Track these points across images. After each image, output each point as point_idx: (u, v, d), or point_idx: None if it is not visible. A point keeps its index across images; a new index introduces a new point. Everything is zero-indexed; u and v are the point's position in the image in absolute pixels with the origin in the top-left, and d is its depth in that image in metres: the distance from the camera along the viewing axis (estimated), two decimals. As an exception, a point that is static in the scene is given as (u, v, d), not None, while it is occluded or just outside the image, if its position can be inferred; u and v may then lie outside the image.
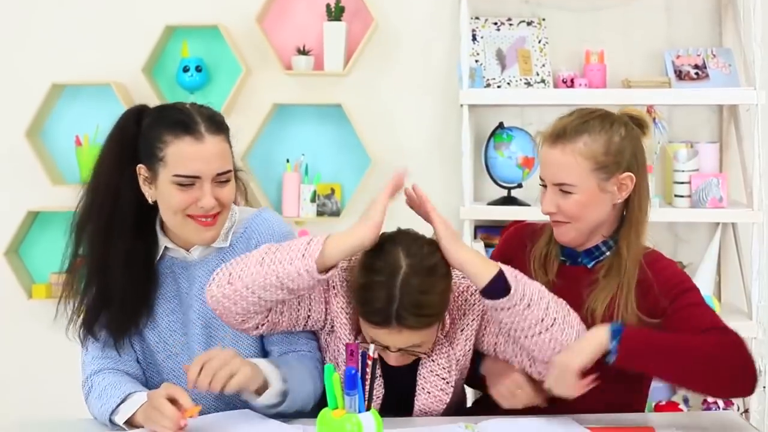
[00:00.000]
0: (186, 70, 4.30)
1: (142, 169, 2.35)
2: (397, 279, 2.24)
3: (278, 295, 2.25)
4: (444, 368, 2.44)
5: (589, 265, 2.45)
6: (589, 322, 2.34)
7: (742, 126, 4.15)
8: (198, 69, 4.30)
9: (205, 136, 2.30)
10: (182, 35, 4.38)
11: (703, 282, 4.02)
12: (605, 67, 4.16)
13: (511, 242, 2.62)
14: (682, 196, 4.03)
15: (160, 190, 2.33)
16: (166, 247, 2.43)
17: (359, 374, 1.99)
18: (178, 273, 2.45)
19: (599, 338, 2.23)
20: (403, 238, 2.33)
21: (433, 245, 2.31)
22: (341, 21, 4.26)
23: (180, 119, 2.32)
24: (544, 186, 2.42)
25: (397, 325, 2.25)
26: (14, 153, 4.39)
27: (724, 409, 3.90)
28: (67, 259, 2.46)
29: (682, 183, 4.03)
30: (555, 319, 2.27)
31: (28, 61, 4.43)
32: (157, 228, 2.43)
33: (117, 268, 2.37)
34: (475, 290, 2.40)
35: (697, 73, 4.13)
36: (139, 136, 2.36)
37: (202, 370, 2.16)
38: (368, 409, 2.01)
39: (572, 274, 2.46)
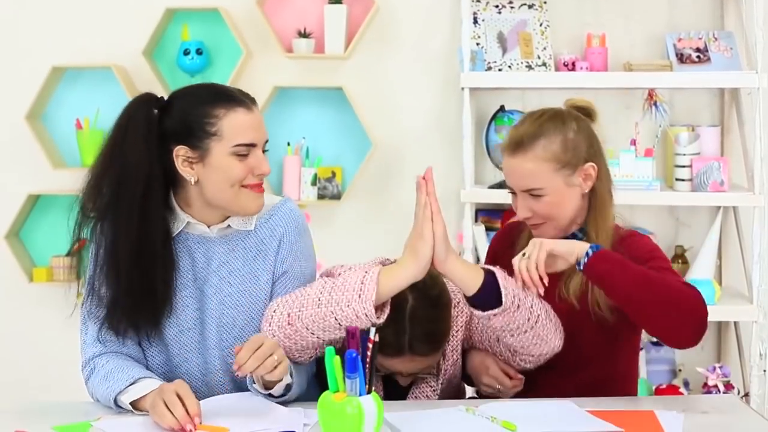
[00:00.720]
0: (186, 53, 4.29)
1: (181, 151, 2.36)
2: (406, 313, 2.38)
3: (337, 335, 2.31)
4: (432, 378, 2.54)
5: None
6: (564, 306, 2.43)
7: (743, 109, 4.14)
8: (198, 52, 4.30)
9: (251, 107, 2.40)
10: (183, 18, 4.37)
11: (704, 266, 4.02)
12: (606, 50, 4.15)
13: (498, 245, 2.71)
14: (683, 180, 4.03)
15: (216, 166, 2.36)
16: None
17: (360, 357, 1.99)
18: (193, 248, 2.45)
19: (578, 244, 2.33)
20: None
21: (433, 275, 2.39)
22: (342, 4, 4.25)
23: (225, 93, 2.41)
24: (514, 193, 2.50)
25: (410, 354, 2.40)
26: (15, 136, 4.39)
27: (724, 392, 3.91)
28: (74, 244, 2.44)
29: (683, 166, 4.03)
30: (539, 316, 2.36)
31: (28, 44, 4.42)
32: (175, 205, 2.43)
33: (146, 256, 2.36)
34: (458, 301, 2.49)
35: (698, 57, 4.13)
36: (162, 120, 2.37)
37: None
38: (369, 392, 2.01)
39: None
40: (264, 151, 2.42)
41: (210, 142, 2.35)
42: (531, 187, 2.45)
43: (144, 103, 2.41)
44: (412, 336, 2.37)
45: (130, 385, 2.31)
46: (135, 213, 2.35)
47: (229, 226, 2.45)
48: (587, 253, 2.28)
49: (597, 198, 2.51)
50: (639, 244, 2.51)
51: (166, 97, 2.44)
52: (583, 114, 2.55)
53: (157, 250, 2.37)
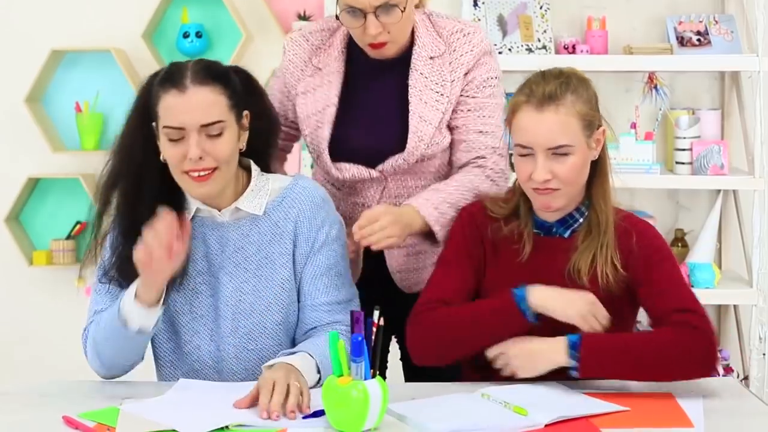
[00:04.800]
0: (186, 36, 4.28)
1: (154, 127, 2.38)
2: None
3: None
4: (436, 83, 2.61)
5: (566, 235, 2.43)
6: (574, 285, 2.35)
7: (744, 93, 4.14)
8: (198, 35, 4.29)
9: (188, 87, 2.31)
10: (182, 1, 4.36)
11: (704, 249, 4.03)
12: (607, 33, 4.14)
13: (468, 229, 2.50)
14: (683, 163, 4.03)
15: (162, 148, 2.36)
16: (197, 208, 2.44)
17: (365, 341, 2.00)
18: (207, 234, 2.44)
19: (557, 357, 2.27)
20: None
21: None
22: (342, -13, 4.24)
23: (170, 73, 2.35)
24: (526, 155, 2.36)
25: None
26: (14, 119, 4.38)
27: (723, 376, 3.92)
28: (94, 220, 2.46)
29: (684, 150, 4.03)
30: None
31: (27, 27, 4.41)
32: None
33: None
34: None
35: (699, 40, 4.12)
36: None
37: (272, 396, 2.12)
38: (374, 376, 2.01)
39: (549, 245, 2.43)
40: (214, 136, 2.32)
41: (158, 122, 2.35)
42: (560, 143, 2.32)
43: (149, 78, 2.42)
44: None
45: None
46: (131, 189, 2.39)
47: (237, 209, 2.44)
48: (574, 365, 2.25)
49: (600, 165, 2.43)
50: (650, 235, 2.42)
51: None
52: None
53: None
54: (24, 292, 4.51)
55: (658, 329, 2.31)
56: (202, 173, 2.32)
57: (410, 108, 2.65)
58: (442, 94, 2.65)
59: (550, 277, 2.35)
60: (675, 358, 2.24)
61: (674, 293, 2.34)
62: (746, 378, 4.00)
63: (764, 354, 3.94)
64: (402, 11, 2.54)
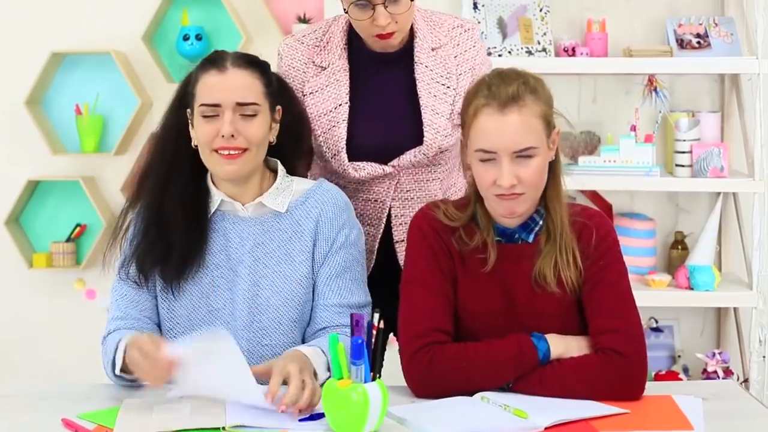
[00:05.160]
0: (186, 38, 4.28)
1: (188, 113, 2.45)
2: None
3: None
4: (441, 75, 2.66)
5: (530, 240, 2.37)
6: (543, 291, 2.33)
7: (743, 95, 4.14)
8: (198, 37, 4.29)
9: (228, 68, 2.41)
10: (182, 3, 4.35)
11: (704, 252, 4.03)
12: (607, 35, 4.14)
13: (434, 243, 2.39)
14: (683, 166, 4.03)
15: (195, 128, 2.43)
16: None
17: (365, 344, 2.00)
18: (228, 228, 2.47)
19: None
20: None
21: None
22: (342, -11, 4.24)
23: (211, 57, 2.46)
24: (489, 160, 2.27)
25: None
26: (14, 122, 4.38)
27: (724, 378, 3.92)
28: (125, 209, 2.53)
29: (683, 152, 4.03)
30: None
31: (28, 29, 4.40)
32: (209, 182, 2.48)
33: (173, 218, 2.43)
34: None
35: (699, 42, 4.12)
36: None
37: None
38: (374, 379, 2.01)
39: (515, 253, 2.37)
40: (248, 116, 2.40)
41: (193, 105, 2.42)
42: (526, 146, 2.24)
43: (189, 71, 2.52)
44: None
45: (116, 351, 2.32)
46: (162, 177, 2.46)
47: (261, 204, 2.47)
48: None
49: (555, 168, 2.36)
50: (606, 239, 2.36)
51: None
52: None
53: (176, 216, 2.42)
54: (24, 295, 4.50)
55: (586, 357, 2.27)
56: (232, 152, 2.39)
57: (421, 102, 2.68)
58: (448, 87, 2.70)
59: (519, 285, 2.34)
60: (600, 387, 2.22)
61: (612, 306, 2.30)
62: (746, 381, 4.00)
63: (764, 356, 3.94)
64: (410, 0, 2.59)
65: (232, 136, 2.37)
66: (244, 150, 2.40)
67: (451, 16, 2.82)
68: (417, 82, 2.70)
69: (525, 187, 2.27)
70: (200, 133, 2.40)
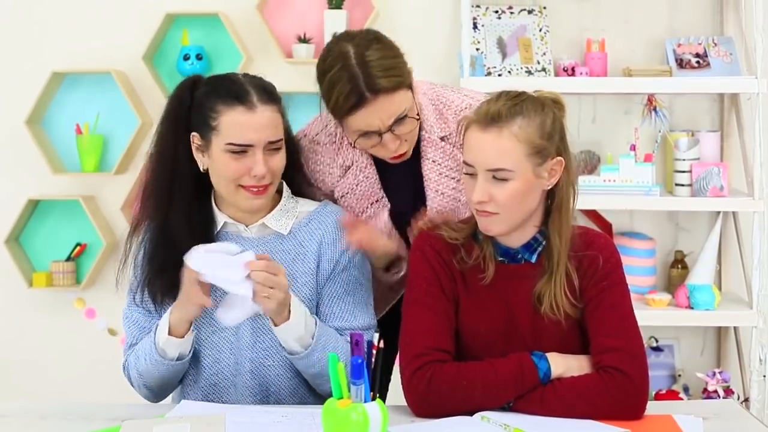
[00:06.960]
0: (186, 58, 4.29)
1: (195, 138, 2.43)
2: (351, 60, 2.41)
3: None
4: (451, 168, 2.61)
5: (533, 260, 2.37)
6: (535, 312, 2.33)
7: (743, 115, 4.15)
8: (198, 57, 4.30)
9: (257, 106, 2.39)
10: (183, 23, 4.37)
11: (704, 271, 4.03)
12: (606, 55, 4.15)
13: (436, 263, 2.40)
14: (682, 185, 4.03)
15: (214, 159, 2.41)
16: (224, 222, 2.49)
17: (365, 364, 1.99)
18: None
19: None
20: (340, 39, 2.51)
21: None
22: (342, 9, 4.25)
23: (232, 89, 2.41)
24: (471, 174, 2.29)
25: (371, 94, 2.41)
26: (15, 141, 4.39)
27: (724, 397, 3.91)
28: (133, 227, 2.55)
29: (683, 172, 4.03)
30: None
31: (28, 49, 4.42)
32: (213, 203, 2.49)
33: (180, 239, 2.41)
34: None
35: (698, 62, 4.13)
36: (192, 105, 2.45)
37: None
38: (374, 399, 2.01)
39: (517, 273, 2.37)
40: (274, 150, 2.41)
41: (211, 135, 2.40)
42: (499, 167, 2.24)
43: (184, 87, 2.49)
44: (365, 75, 2.40)
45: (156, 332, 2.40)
46: (164, 196, 2.45)
47: (264, 225, 2.48)
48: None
49: (559, 198, 2.34)
50: (608, 262, 2.36)
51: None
52: (557, 107, 2.35)
53: (180, 236, 2.42)
54: (24, 314, 4.50)
55: (588, 376, 2.26)
56: (260, 188, 2.41)
57: (428, 203, 2.66)
58: (458, 180, 2.64)
59: (520, 305, 2.34)
60: (601, 406, 2.22)
61: (614, 326, 2.30)
62: (747, 400, 3.99)
63: (765, 376, 3.93)
64: (416, 119, 2.54)
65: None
66: (269, 184, 2.42)
67: (461, 92, 2.71)
68: (424, 180, 2.65)
69: (498, 207, 2.27)
70: (227, 170, 2.38)
